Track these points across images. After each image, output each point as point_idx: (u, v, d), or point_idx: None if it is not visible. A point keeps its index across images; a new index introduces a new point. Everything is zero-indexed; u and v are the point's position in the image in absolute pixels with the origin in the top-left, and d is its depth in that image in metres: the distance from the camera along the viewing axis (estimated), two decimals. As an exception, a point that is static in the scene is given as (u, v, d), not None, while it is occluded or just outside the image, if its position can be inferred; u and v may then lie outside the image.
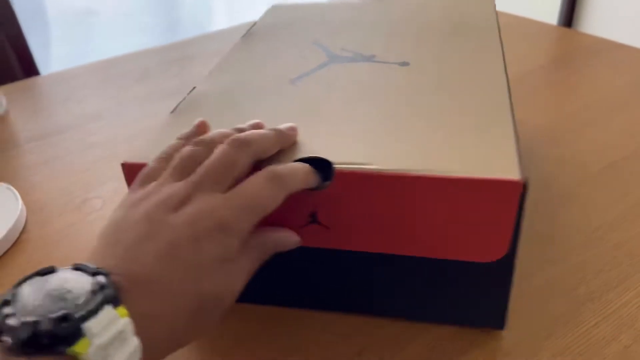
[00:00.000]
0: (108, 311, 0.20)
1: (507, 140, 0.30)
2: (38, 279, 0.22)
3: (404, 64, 0.41)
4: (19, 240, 0.45)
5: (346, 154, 0.30)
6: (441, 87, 0.37)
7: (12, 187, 0.50)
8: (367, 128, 0.33)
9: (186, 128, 0.32)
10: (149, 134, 0.33)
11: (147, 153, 0.31)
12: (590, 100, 0.61)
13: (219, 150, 0.28)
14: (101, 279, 0.22)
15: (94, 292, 0.21)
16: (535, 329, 0.33)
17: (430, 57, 0.42)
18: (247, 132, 0.30)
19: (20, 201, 0.48)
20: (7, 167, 0.57)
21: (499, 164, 0.28)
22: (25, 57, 1.06)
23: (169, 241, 0.24)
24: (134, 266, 0.23)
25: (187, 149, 0.29)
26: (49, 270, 0.22)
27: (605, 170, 0.48)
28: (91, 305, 0.20)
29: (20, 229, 0.46)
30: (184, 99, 0.39)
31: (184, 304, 0.24)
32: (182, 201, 0.26)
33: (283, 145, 0.31)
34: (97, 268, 0.22)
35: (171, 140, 0.31)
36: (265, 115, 0.35)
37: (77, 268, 0.22)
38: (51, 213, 0.48)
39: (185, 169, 0.28)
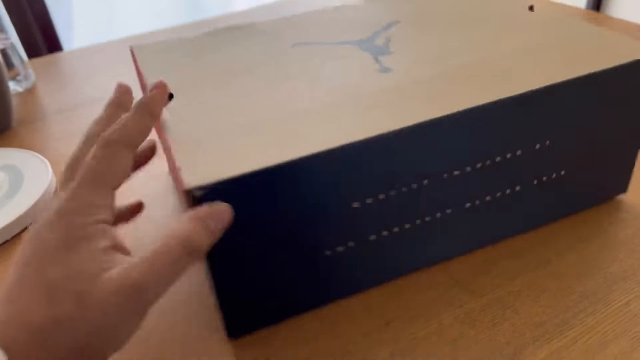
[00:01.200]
0: None
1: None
2: None
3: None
4: (49, 207, 0.46)
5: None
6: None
7: (41, 156, 0.51)
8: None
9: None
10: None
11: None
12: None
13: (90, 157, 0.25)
14: None
15: None
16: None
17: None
18: (118, 127, 0.26)
19: (50, 169, 0.49)
20: (36, 137, 0.57)
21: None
22: (49, 34, 1.07)
23: (20, 249, 0.24)
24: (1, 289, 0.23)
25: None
26: None
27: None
28: None
29: (51, 197, 0.47)
30: None
31: (33, 296, 0.22)
32: None
33: (153, 116, 0.28)
34: None
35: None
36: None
37: None
38: (80, 182, 0.49)
39: (69, 178, 0.26)
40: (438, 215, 0.34)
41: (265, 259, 0.30)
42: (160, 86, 0.29)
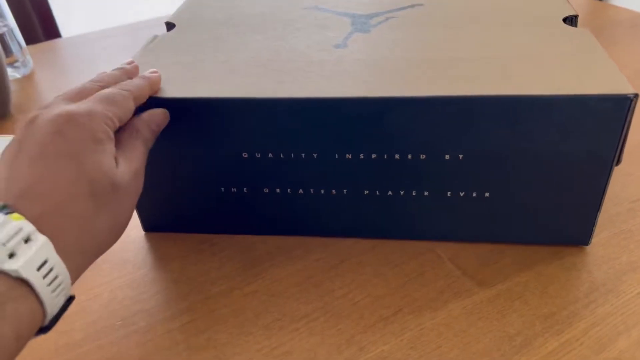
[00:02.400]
0: None
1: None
2: None
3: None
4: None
5: None
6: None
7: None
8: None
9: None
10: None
11: None
12: (626, 74, 0.59)
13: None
14: None
15: None
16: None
17: None
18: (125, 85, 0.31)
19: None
20: (35, 124, 0.56)
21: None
22: (47, 21, 1.05)
23: (36, 142, 0.25)
24: (15, 182, 0.24)
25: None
26: None
27: (645, 143, 0.47)
28: None
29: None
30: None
31: (74, 191, 0.25)
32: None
33: (153, 90, 0.33)
34: None
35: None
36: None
37: None
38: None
39: (72, 99, 0.29)
40: (321, 191, 0.36)
41: (168, 176, 0.36)
42: (157, 74, 0.34)
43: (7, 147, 0.27)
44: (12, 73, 0.66)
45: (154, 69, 0.34)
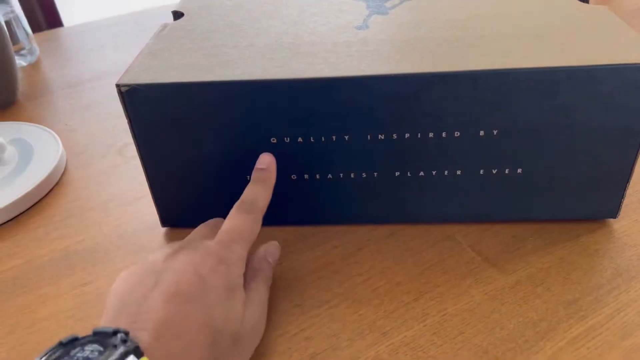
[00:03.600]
0: None
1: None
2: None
3: None
4: (60, 181, 0.45)
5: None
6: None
7: (51, 130, 0.49)
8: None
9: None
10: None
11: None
12: None
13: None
14: (122, 335, 0.22)
15: (114, 346, 0.22)
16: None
17: None
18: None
19: (60, 143, 0.47)
20: (43, 112, 0.56)
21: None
22: (50, 9, 1.04)
23: (174, 282, 0.26)
24: (147, 315, 0.24)
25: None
26: (71, 340, 0.22)
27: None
28: (115, 357, 0.21)
29: (62, 170, 0.46)
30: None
31: (197, 339, 0.25)
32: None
33: (271, 186, 0.33)
34: (116, 328, 0.23)
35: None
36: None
37: (97, 332, 0.23)
38: (92, 156, 0.48)
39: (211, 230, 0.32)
40: (363, 174, 0.35)
41: (191, 166, 0.35)
42: (269, 163, 0.34)
43: (145, 270, 0.27)
44: (18, 60, 0.65)
45: (267, 155, 0.34)
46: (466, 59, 0.32)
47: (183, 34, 0.38)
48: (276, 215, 0.36)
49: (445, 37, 0.34)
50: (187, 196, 0.37)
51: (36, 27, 1.01)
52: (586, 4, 0.38)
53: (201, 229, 0.34)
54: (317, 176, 0.35)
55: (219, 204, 0.34)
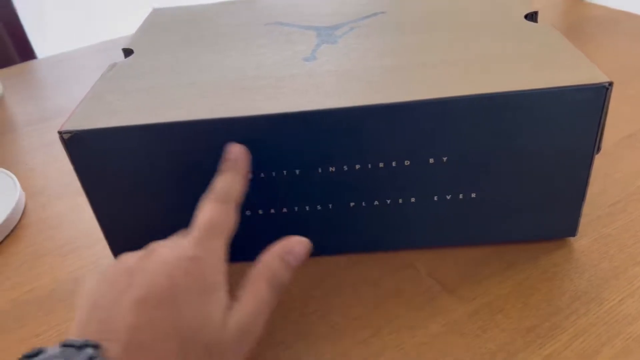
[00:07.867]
0: None
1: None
2: None
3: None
4: (19, 225, 0.44)
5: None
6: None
7: (9, 172, 0.49)
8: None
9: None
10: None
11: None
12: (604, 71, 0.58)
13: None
14: (89, 351, 0.21)
15: None
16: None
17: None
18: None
19: (18, 185, 0.47)
20: (5, 151, 0.55)
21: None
22: (21, 42, 1.04)
23: (146, 284, 0.24)
24: (115, 324, 0.23)
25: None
26: (37, 352, 0.21)
27: (622, 142, 0.46)
28: None
29: (20, 213, 0.45)
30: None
31: (168, 347, 0.23)
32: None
33: (244, 176, 0.30)
34: (85, 341, 0.22)
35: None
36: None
37: (65, 345, 0.22)
38: (50, 197, 0.47)
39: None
40: (307, 208, 0.35)
41: (141, 208, 0.35)
42: (238, 152, 0.30)
43: (118, 270, 0.26)
44: (-19, 99, 0.65)
45: (235, 146, 0.31)
46: (408, 88, 0.31)
47: (129, 73, 0.37)
48: (231, 251, 0.36)
49: (390, 65, 0.34)
50: (141, 238, 0.36)
51: (9, 62, 1.00)
52: (532, 23, 0.38)
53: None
54: (272, 210, 0.35)
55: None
